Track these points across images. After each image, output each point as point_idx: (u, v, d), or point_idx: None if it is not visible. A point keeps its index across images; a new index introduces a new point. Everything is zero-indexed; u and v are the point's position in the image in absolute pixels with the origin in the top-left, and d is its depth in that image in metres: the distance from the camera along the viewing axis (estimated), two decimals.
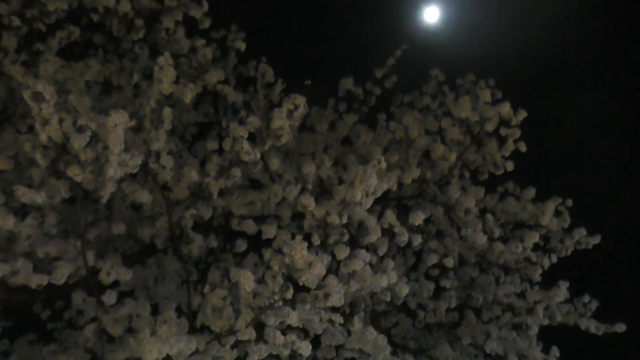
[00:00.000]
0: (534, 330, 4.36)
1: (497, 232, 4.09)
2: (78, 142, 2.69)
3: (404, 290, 3.53)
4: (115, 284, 3.35)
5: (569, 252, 4.35)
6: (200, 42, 3.72)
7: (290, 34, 6.62)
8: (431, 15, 7.28)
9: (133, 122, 2.79)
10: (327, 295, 2.93)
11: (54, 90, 2.67)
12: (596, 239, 4.34)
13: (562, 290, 4.22)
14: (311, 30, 6.76)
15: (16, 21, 3.41)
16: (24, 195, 2.78)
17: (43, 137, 2.67)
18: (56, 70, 3.35)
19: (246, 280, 2.75)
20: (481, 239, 3.89)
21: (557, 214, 4.27)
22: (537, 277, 4.17)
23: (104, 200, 3.01)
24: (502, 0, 6.81)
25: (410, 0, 7.21)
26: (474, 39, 6.88)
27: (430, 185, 4.15)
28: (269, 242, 3.53)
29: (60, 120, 2.74)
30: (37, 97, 2.66)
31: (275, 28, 6.69)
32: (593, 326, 4.33)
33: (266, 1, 6.73)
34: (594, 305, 4.41)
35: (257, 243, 3.81)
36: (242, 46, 4.18)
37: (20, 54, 3.57)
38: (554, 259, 4.17)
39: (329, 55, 6.69)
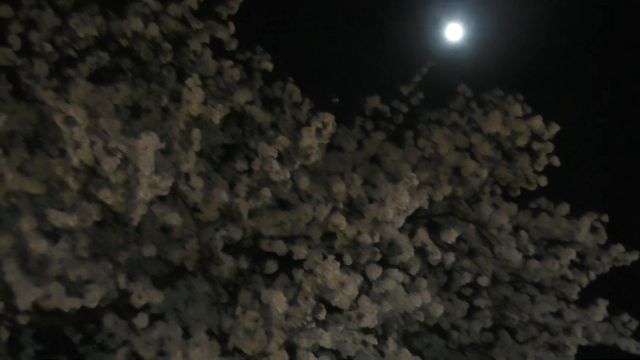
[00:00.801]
0: (572, 350, 4.22)
1: (531, 250, 3.99)
2: (109, 165, 2.70)
3: (439, 310, 3.45)
4: (145, 306, 3.34)
5: (607, 269, 4.23)
6: (227, 63, 3.74)
7: (315, 53, 6.65)
8: (454, 33, 7.27)
9: (163, 144, 2.79)
10: (360, 316, 2.87)
11: (85, 114, 2.68)
12: (634, 256, 4.21)
13: (601, 309, 4.09)
14: (335, 50, 6.79)
15: (48, 47, 3.48)
16: (57, 218, 2.79)
17: (75, 161, 2.68)
18: (86, 95, 3.39)
19: (278, 301, 2.71)
20: (516, 257, 3.79)
21: (593, 230, 4.16)
22: (574, 295, 4.06)
23: (135, 223, 3.01)
24: (522, 15, 6.77)
25: (432, 19, 7.21)
26: (497, 55, 6.84)
27: (462, 203, 4.09)
28: (299, 263, 3.50)
29: (91, 144, 2.76)
30: (69, 121, 2.68)
31: (300, 48, 6.73)
32: (633, 346, 4.19)
33: (291, 22, 6.79)
34: (634, 324, 4.27)
35: (288, 264, 3.78)
36: (270, 66, 4.19)
37: (52, 80, 3.62)
38: (592, 276, 4.05)
39: (354, 74, 6.69)
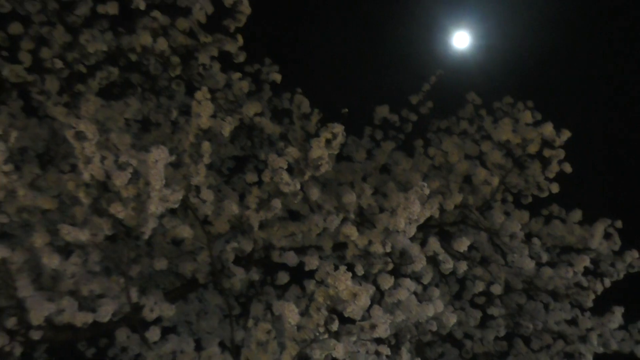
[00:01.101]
0: (588, 358, 4.18)
1: (544, 257, 3.96)
2: (120, 180, 2.70)
3: (452, 320, 3.42)
4: (157, 320, 3.34)
5: (621, 276, 4.18)
6: (236, 75, 3.75)
7: (323, 64, 6.66)
8: (461, 41, 7.27)
9: (173, 158, 2.79)
10: (373, 327, 2.85)
11: (96, 130, 2.70)
12: None
13: (616, 317, 4.04)
14: (343, 59, 6.80)
15: (58, 64, 3.50)
16: (69, 233, 2.80)
17: (86, 176, 2.69)
18: (97, 110, 3.41)
19: (290, 313, 2.70)
20: (529, 265, 3.76)
21: (607, 236, 4.12)
22: (589, 303, 4.01)
23: (146, 236, 3.01)
24: (528, 21, 6.76)
25: (439, 26, 7.22)
26: (505, 62, 6.83)
27: (473, 211, 4.06)
28: (310, 274, 3.48)
29: (102, 159, 2.77)
30: (80, 136, 2.69)
31: (307, 58, 6.75)
32: None
33: (297, 32, 6.82)
34: None
35: (299, 274, 3.77)
36: (278, 78, 4.20)
37: (62, 96, 3.65)
38: (607, 283, 4.01)
39: (362, 83, 6.70)
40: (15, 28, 3.75)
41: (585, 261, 3.86)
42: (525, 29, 6.76)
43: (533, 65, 6.73)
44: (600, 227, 4.03)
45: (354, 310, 2.73)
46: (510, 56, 6.82)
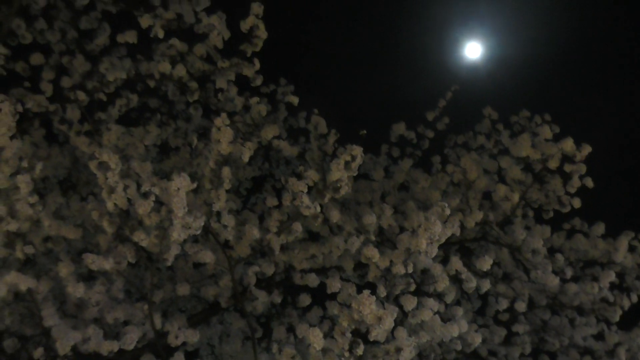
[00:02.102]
0: None
1: (568, 273, 3.91)
2: (143, 208, 2.73)
3: (477, 339, 3.40)
4: (181, 344, 3.34)
5: None
6: (254, 100, 3.78)
7: (337, 83, 6.69)
8: (473, 52, 7.27)
9: (195, 185, 2.82)
10: (398, 350, 2.83)
11: (118, 159, 2.73)
12: None
13: None
14: (357, 79, 6.83)
15: (81, 95, 3.55)
16: (93, 262, 2.82)
17: (110, 205, 2.72)
18: (118, 138, 3.46)
19: (315, 338, 2.69)
20: (552, 281, 3.71)
21: (631, 249, 4.07)
22: (616, 318, 3.95)
23: (169, 263, 3.03)
24: (539, 31, 6.73)
25: (451, 38, 7.22)
26: (518, 73, 6.81)
27: (494, 227, 4.03)
28: (332, 294, 3.47)
29: (125, 187, 2.80)
30: (103, 166, 2.73)
31: (321, 77, 6.79)
32: None
33: (311, 51, 6.86)
34: None
35: (320, 295, 3.76)
36: (295, 101, 4.22)
37: (84, 124, 3.70)
38: (634, 298, 3.95)
39: (377, 100, 6.71)
40: (37, 59, 3.81)
41: (610, 276, 3.81)
42: (537, 38, 6.74)
43: (546, 74, 6.70)
44: (624, 240, 3.98)
45: (379, 333, 2.72)
46: (523, 66, 6.80)
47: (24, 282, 2.80)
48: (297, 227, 3.27)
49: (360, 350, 2.75)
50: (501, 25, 7.11)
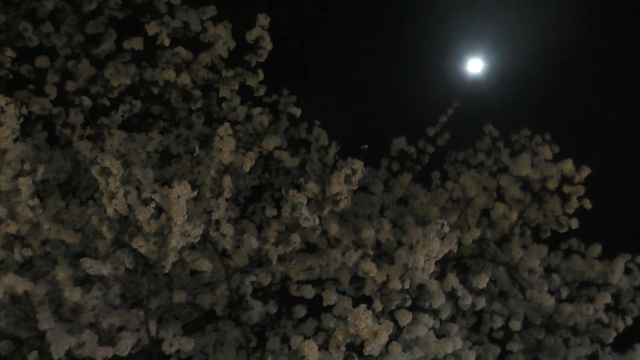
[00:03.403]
0: None
1: (564, 293, 3.92)
2: (143, 215, 2.74)
3: (471, 357, 3.40)
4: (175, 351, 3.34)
5: None
6: (257, 110, 3.80)
7: (339, 96, 6.72)
8: (475, 68, 7.31)
9: (195, 193, 2.83)
10: None
11: (120, 165, 2.74)
12: None
13: (638, 354, 3.97)
14: (359, 92, 6.86)
15: (87, 101, 3.57)
16: (91, 267, 2.82)
17: (110, 211, 2.73)
18: (120, 143, 3.47)
19: (310, 351, 2.69)
20: (548, 301, 3.73)
21: (627, 271, 4.08)
22: (610, 339, 3.95)
23: (166, 270, 3.03)
24: (541, 48, 6.76)
25: (453, 54, 7.26)
26: (519, 90, 6.85)
27: (491, 245, 4.05)
28: (328, 307, 3.48)
29: (126, 193, 2.81)
30: (104, 171, 2.73)
31: (323, 89, 6.82)
32: None
33: (314, 63, 6.90)
34: None
35: (316, 307, 3.76)
36: (298, 112, 4.25)
37: (86, 129, 3.71)
38: (629, 321, 3.96)
39: (378, 113, 6.74)
40: (42, 62, 3.83)
41: (606, 298, 3.82)
42: (540, 55, 6.78)
43: (548, 92, 6.74)
44: (620, 263, 4.00)
45: (373, 348, 2.72)
46: (525, 83, 6.83)
47: (21, 285, 2.80)
48: (296, 238, 3.28)
49: None
50: (503, 42, 7.16)
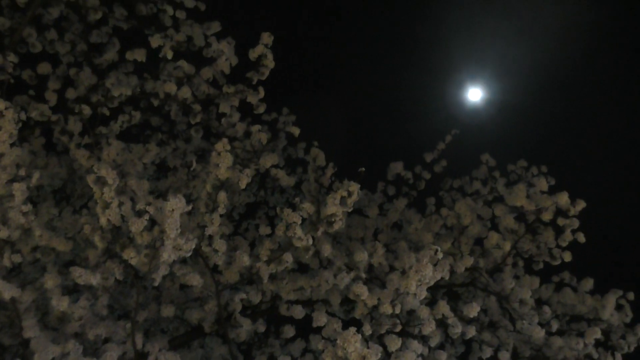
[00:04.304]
0: None
1: (554, 326, 3.90)
2: (136, 226, 2.72)
3: None
4: None
5: (632, 349, 4.11)
6: (255, 127, 3.80)
7: (338, 118, 6.75)
8: (475, 96, 7.36)
9: (190, 207, 2.81)
10: None
11: (116, 175, 2.73)
12: None
13: None
14: (358, 116, 6.89)
15: (86, 109, 3.57)
16: (80, 276, 2.80)
17: (103, 221, 2.71)
18: (117, 153, 3.46)
19: None
20: (538, 334, 3.70)
21: (618, 307, 4.07)
22: None
23: (156, 283, 3.01)
24: (540, 78, 6.82)
25: (453, 82, 7.31)
26: (518, 120, 6.89)
27: (483, 274, 4.03)
28: (317, 328, 3.45)
29: (120, 204, 2.80)
30: (100, 181, 2.72)
31: (323, 111, 6.84)
32: None
33: (315, 85, 6.93)
34: None
35: (304, 327, 3.73)
36: (296, 132, 4.25)
37: (84, 137, 3.71)
38: (618, 358, 3.93)
39: (377, 139, 6.76)
40: (44, 68, 3.84)
41: (596, 333, 3.80)
42: (539, 86, 6.84)
43: (545, 124, 6.78)
44: (611, 298, 3.99)
45: None
46: (524, 114, 6.88)
47: (8, 291, 2.77)
48: (288, 257, 3.26)
49: None
50: (503, 72, 7.22)
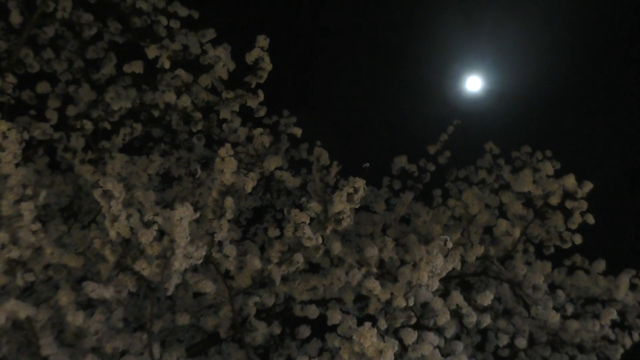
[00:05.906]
0: None
1: (569, 309, 3.89)
2: (146, 237, 2.73)
3: None
4: None
5: None
6: (257, 131, 3.81)
7: (339, 116, 6.75)
8: (474, 85, 7.34)
9: (197, 215, 2.82)
10: None
11: (122, 188, 2.74)
12: None
13: None
14: (359, 112, 6.89)
15: (88, 125, 3.59)
16: (93, 290, 2.81)
17: (112, 234, 2.72)
18: (121, 166, 3.48)
19: None
20: (553, 318, 3.69)
21: (632, 287, 4.05)
22: (617, 356, 3.91)
23: (169, 293, 3.02)
24: (540, 64, 6.80)
25: (452, 72, 7.29)
26: (518, 107, 6.87)
27: (494, 262, 4.02)
28: (332, 327, 3.45)
29: (128, 216, 2.81)
30: (106, 194, 2.73)
31: (322, 109, 6.85)
32: None
33: (314, 83, 6.93)
34: None
35: (320, 327, 3.73)
36: (298, 132, 4.26)
37: (88, 153, 3.72)
38: (636, 337, 3.91)
39: (380, 134, 6.76)
40: (43, 87, 3.86)
41: (612, 314, 3.78)
42: (538, 72, 6.81)
43: (548, 109, 6.76)
44: (625, 278, 3.96)
45: None
46: (525, 100, 6.86)
47: (23, 310, 2.78)
48: (299, 258, 3.26)
49: None
50: (502, 59, 7.20)
